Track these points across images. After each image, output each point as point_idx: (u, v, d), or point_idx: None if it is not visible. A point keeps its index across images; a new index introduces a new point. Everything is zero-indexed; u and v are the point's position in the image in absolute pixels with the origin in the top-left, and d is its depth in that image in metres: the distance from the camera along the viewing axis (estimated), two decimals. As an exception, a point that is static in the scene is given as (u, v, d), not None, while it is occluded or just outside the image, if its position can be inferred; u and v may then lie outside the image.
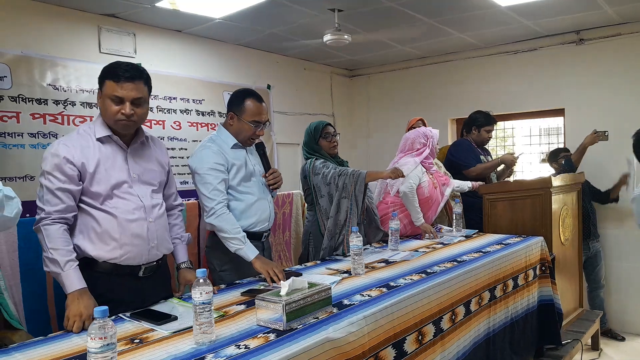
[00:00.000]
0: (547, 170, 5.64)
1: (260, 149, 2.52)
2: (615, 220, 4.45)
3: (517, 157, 4.05)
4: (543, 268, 3.09)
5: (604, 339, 4.20)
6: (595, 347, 3.91)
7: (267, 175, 2.46)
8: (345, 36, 3.73)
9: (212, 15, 3.90)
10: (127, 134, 1.93)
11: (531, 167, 5.95)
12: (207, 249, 2.49)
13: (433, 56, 5.47)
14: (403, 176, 2.86)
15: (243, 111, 2.36)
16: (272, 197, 2.58)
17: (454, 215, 3.45)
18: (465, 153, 4.02)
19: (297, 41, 4.67)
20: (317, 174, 2.87)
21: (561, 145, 4.99)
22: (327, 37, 3.71)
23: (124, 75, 1.80)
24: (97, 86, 1.89)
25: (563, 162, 4.26)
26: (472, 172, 3.93)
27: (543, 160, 5.98)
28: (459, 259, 2.54)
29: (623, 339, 4.27)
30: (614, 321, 4.46)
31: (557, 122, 5.40)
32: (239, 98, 2.39)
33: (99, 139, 1.86)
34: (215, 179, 2.26)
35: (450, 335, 2.15)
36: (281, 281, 1.72)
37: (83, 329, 1.63)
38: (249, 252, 2.21)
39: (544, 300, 3.08)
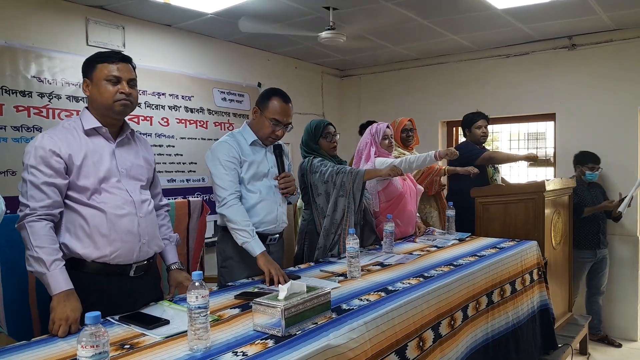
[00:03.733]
0: (534, 175, 5.66)
1: (277, 151, 2.49)
2: (618, 227, 4.46)
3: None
4: (540, 273, 3.07)
5: (600, 345, 4.23)
6: (583, 351, 3.91)
7: (278, 178, 2.44)
8: (341, 35, 3.67)
9: (204, 10, 3.81)
10: (118, 123, 1.87)
11: (519, 171, 5.97)
12: (217, 243, 2.51)
13: (425, 58, 5.44)
14: (402, 174, 2.82)
15: (267, 107, 2.36)
16: (290, 202, 2.57)
17: (447, 217, 3.41)
18: (467, 148, 3.97)
19: (291, 39, 4.60)
20: (314, 172, 2.82)
21: (549, 150, 4.99)
22: (323, 35, 3.65)
23: (116, 56, 1.80)
24: None
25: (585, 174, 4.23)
26: (485, 156, 3.88)
27: (530, 165, 6.00)
28: (455, 263, 2.50)
29: (620, 346, 4.26)
30: (614, 328, 4.45)
31: (539, 127, 5.41)
32: (267, 94, 2.41)
33: (86, 132, 1.78)
34: (230, 171, 2.29)
35: (449, 341, 2.10)
36: (279, 284, 1.65)
37: (69, 333, 1.55)
38: (256, 246, 2.21)
39: (543, 305, 3.06)
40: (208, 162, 2.35)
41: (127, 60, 1.83)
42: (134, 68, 1.87)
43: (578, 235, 4.18)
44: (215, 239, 2.61)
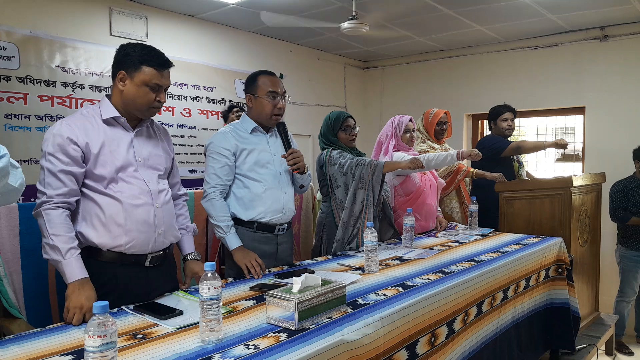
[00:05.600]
0: (561, 170, 5.52)
1: (281, 127, 2.40)
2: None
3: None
4: (559, 270, 2.98)
5: None
6: (609, 352, 3.80)
7: (286, 155, 2.32)
8: (364, 25, 3.61)
9: (227, 0, 3.79)
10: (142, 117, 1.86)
11: (545, 166, 5.83)
12: None
13: (450, 49, 5.34)
14: (422, 166, 2.75)
15: (257, 88, 2.31)
16: (303, 185, 2.50)
17: (470, 212, 3.34)
18: (493, 140, 3.86)
19: (313, 30, 4.56)
20: (333, 164, 2.78)
21: (577, 145, 4.84)
22: (345, 25, 3.60)
23: (164, 63, 1.79)
24: (107, 69, 1.82)
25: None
26: (513, 146, 3.73)
27: (558, 160, 5.85)
28: (476, 259, 2.43)
29: None
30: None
31: (567, 121, 5.26)
32: (252, 78, 2.35)
33: (105, 120, 1.77)
34: (216, 163, 2.25)
35: (460, 336, 2.05)
36: (294, 277, 1.61)
37: (84, 321, 1.55)
38: (230, 242, 2.20)
39: (557, 302, 2.96)
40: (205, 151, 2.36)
41: (170, 65, 1.83)
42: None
43: (628, 235, 4.02)
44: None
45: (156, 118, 2.00)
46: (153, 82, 1.76)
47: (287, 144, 2.37)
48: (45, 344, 1.40)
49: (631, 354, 4.02)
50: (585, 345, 3.15)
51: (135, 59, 1.75)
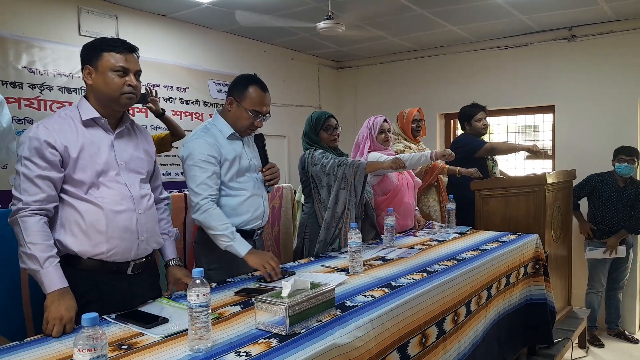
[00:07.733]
0: (531, 168, 5.63)
1: (260, 142, 2.34)
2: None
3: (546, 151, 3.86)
4: (537, 266, 3.03)
5: (615, 340, 4.21)
6: (582, 345, 3.90)
7: (264, 170, 2.30)
8: (340, 25, 3.60)
9: (200, -1, 3.73)
10: (118, 114, 1.79)
11: (516, 164, 5.93)
12: (196, 245, 2.33)
13: (423, 49, 5.39)
14: (405, 167, 2.76)
15: (244, 98, 2.18)
16: (268, 192, 2.44)
17: (447, 211, 3.37)
18: (467, 140, 3.90)
19: (288, 30, 4.53)
20: (315, 164, 2.76)
21: (544, 143, 4.96)
22: (321, 25, 3.58)
23: (124, 46, 1.71)
24: (77, 69, 1.75)
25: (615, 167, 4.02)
26: (487, 147, 3.77)
27: (528, 157, 5.96)
28: (458, 257, 2.46)
29: (637, 341, 4.20)
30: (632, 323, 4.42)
31: (532, 119, 5.37)
32: (242, 83, 2.21)
33: (84, 122, 1.70)
34: (204, 172, 2.10)
35: (452, 337, 2.06)
36: (282, 281, 1.59)
37: (64, 332, 1.48)
38: (240, 247, 2.06)
39: (535, 298, 3.01)
40: (183, 162, 2.15)
41: (134, 50, 1.75)
42: (138, 57, 1.78)
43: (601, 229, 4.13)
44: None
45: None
46: (118, 65, 1.69)
47: (264, 159, 2.33)
48: (25, 358, 1.33)
49: (602, 345, 4.13)
50: (560, 339, 3.22)
51: (96, 49, 1.70)
